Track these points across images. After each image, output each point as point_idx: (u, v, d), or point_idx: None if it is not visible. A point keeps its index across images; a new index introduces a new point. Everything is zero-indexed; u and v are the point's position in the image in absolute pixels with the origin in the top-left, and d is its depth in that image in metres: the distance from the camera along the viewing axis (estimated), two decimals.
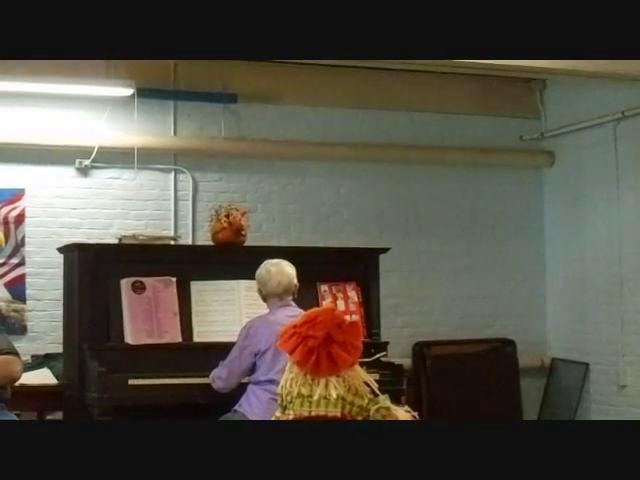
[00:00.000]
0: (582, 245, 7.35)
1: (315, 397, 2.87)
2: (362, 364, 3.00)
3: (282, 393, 2.93)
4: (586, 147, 7.35)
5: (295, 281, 5.24)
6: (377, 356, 5.47)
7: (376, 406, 2.92)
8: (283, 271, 5.22)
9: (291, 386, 2.92)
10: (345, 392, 2.89)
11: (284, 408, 3.04)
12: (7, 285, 6.39)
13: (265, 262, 5.29)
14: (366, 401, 2.91)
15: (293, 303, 5.19)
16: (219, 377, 5.20)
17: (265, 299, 5.26)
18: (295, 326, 2.95)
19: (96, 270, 5.53)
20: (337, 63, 6.21)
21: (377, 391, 2.94)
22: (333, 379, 2.89)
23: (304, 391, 2.89)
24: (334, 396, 2.86)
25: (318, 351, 2.88)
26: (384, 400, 2.96)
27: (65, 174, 6.58)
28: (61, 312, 5.99)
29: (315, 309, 3.00)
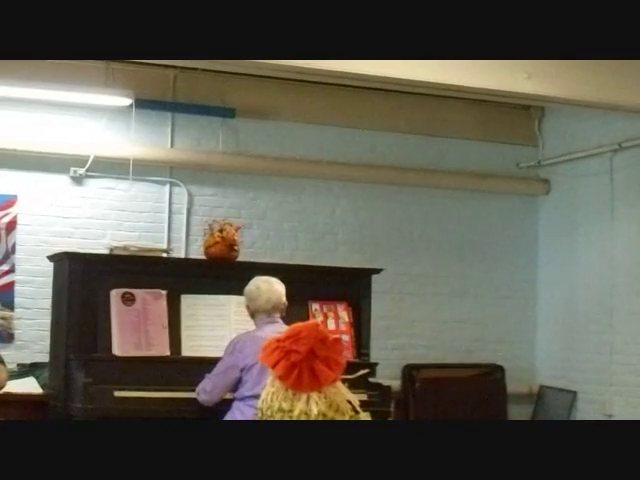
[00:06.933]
0: (574, 274, 7.35)
1: (296, 412, 2.85)
2: (345, 381, 2.98)
3: (262, 407, 2.92)
4: (582, 177, 7.36)
5: (284, 299, 5.22)
6: (360, 373, 5.46)
7: None
8: (273, 288, 5.20)
9: (272, 400, 2.90)
10: (326, 408, 2.87)
11: None
12: None
13: (255, 278, 5.28)
14: (347, 418, 2.90)
15: (280, 320, 5.17)
16: (204, 390, 5.18)
17: (253, 315, 5.25)
18: (278, 340, 2.93)
19: (86, 280, 5.51)
20: (337, 82, 6.21)
21: (358, 408, 2.93)
22: (314, 395, 2.87)
23: (285, 406, 2.87)
24: (315, 412, 2.84)
25: (301, 366, 2.87)
26: (365, 417, 2.94)
27: (59, 182, 6.55)
28: (49, 321, 5.95)
29: (299, 324, 2.98)
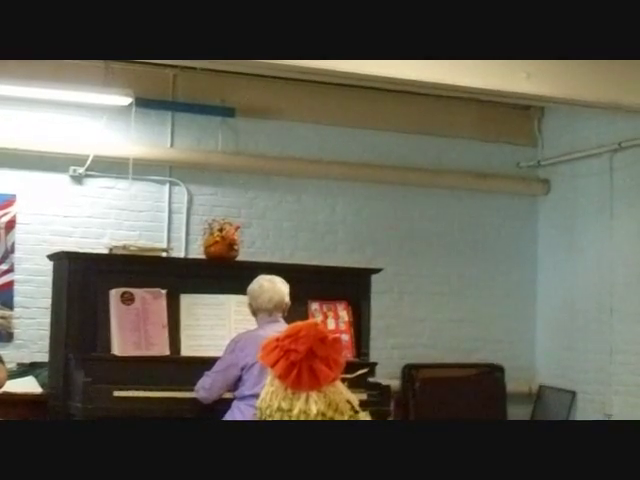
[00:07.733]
0: (573, 273, 7.35)
1: (295, 411, 2.85)
2: (345, 380, 2.98)
3: (262, 407, 2.91)
4: (582, 177, 7.37)
5: (287, 299, 5.22)
6: (359, 372, 5.46)
7: None
8: (276, 287, 5.20)
9: (271, 400, 2.89)
10: (325, 407, 2.86)
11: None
12: None
13: (259, 277, 5.27)
14: (346, 417, 2.89)
15: (282, 320, 5.16)
16: (202, 387, 5.18)
17: (255, 314, 5.24)
18: (278, 339, 2.92)
19: (85, 279, 5.50)
20: (337, 81, 6.21)
21: (358, 408, 2.92)
22: (314, 394, 2.87)
23: (284, 405, 2.86)
24: (314, 411, 2.84)
25: (300, 365, 2.86)
26: (364, 417, 2.94)
27: (59, 181, 6.55)
28: (49, 320, 5.94)
29: (298, 323, 2.97)
